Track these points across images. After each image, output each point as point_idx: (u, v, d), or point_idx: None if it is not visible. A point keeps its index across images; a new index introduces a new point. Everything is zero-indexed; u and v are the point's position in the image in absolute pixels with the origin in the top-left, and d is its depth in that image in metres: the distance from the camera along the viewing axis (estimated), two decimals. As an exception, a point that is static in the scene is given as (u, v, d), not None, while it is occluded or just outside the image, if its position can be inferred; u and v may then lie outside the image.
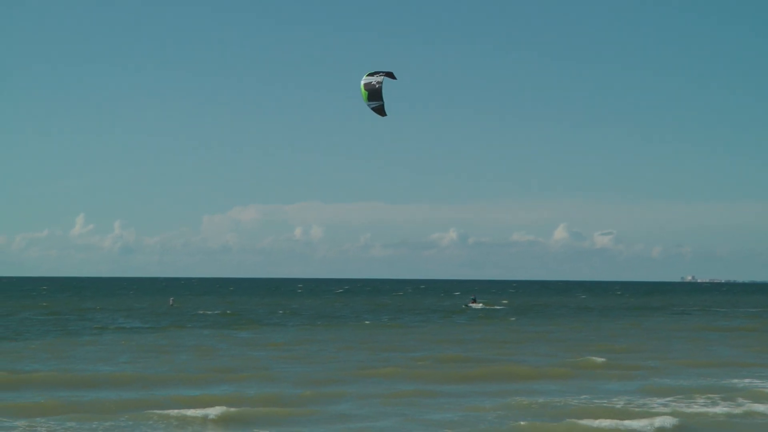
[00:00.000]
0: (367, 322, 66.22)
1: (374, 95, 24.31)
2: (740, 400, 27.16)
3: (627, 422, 23.27)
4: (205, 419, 23.73)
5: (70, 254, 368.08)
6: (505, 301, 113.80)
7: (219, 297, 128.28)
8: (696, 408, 25.74)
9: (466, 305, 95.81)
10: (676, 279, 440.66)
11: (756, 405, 26.12)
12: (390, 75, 24.57)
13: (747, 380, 31.89)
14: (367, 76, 24.48)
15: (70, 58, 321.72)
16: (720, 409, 25.61)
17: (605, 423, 23.15)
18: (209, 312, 79.74)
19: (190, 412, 24.08)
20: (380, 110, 24.37)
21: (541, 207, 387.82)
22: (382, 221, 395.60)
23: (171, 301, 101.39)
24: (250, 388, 29.28)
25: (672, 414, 24.33)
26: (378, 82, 24.26)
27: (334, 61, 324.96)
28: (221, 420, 23.75)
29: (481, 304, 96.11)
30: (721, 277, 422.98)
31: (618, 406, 25.79)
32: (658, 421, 23.23)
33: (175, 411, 24.26)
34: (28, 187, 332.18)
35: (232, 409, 24.50)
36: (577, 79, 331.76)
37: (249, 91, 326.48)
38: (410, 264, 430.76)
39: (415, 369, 34.55)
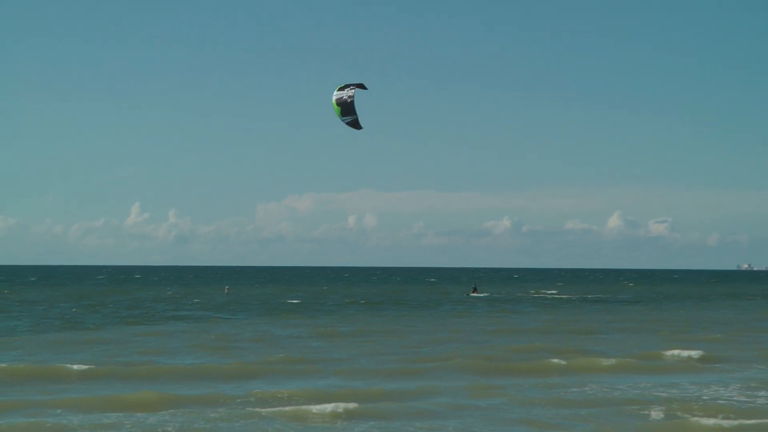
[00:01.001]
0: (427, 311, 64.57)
1: (347, 110, 23.84)
2: None
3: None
4: (326, 414, 22.09)
5: (125, 243, 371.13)
6: (553, 291, 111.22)
7: (274, 285, 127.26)
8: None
9: (467, 295, 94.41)
10: (732, 267, 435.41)
11: None
12: (360, 86, 23.97)
13: None
14: (338, 90, 23.94)
15: (128, 49, 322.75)
16: None
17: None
18: (270, 301, 78.57)
19: (315, 409, 22.35)
20: (355, 124, 23.89)
21: (596, 195, 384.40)
22: (435, 209, 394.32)
23: (226, 290, 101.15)
24: (352, 381, 27.54)
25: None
26: (350, 96, 23.75)
27: (388, 46, 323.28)
28: (346, 415, 22.03)
29: (484, 294, 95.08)
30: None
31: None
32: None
33: (293, 407, 22.63)
34: (84, 176, 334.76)
35: (352, 405, 22.66)
36: (633, 66, 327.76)
37: (305, 78, 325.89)
38: (464, 252, 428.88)
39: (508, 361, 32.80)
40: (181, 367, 30.56)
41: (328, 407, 22.41)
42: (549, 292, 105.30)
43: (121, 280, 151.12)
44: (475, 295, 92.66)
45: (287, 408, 22.64)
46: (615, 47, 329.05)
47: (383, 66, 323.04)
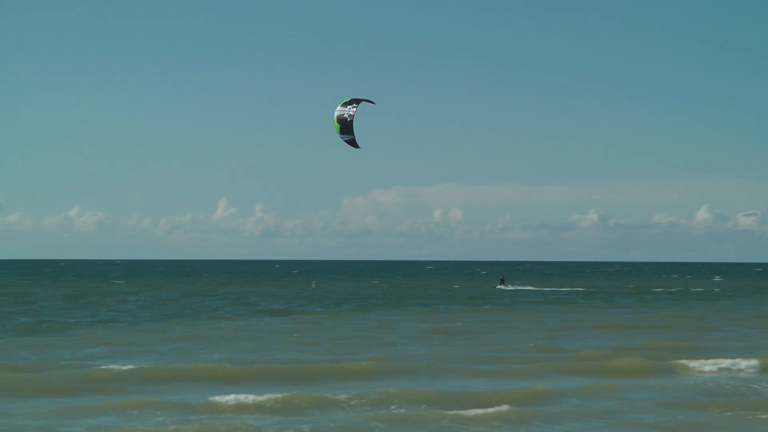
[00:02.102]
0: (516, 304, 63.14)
1: (345, 129, 23.73)
2: None
3: None
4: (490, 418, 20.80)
5: (212, 238, 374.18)
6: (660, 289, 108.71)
7: (360, 280, 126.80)
8: None
9: (494, 287, 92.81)
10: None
11: None
12: (368, 101, 23.88)
13: None
14: (341, 106, 23.79)
15: (217, 46, 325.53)
16: None
17: None
18: (356, 295, 77.92)
19: (472, 413, 21.01)
20: (352, 143, 23.75)
21: (683, 187, 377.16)
22: (521, 203, 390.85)
23: (313, 284, 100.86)
24: (505, 382, 25.91)
25: None
26: (350, 115, 23.60)
27: (473, 40, 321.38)
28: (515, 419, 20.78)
29: (511, 287, 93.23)
30: None
31: None
32: None
33: (452, 412, 21.21)
34: (172, 171, 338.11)
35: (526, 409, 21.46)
36: (718, 59, 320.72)
37: (389, 72, 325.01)
38: (550, 246, 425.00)
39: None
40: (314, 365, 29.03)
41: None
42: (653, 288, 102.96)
43: (208, 273, 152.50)
44: (503, 287, 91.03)
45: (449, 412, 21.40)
46: (696, 39, 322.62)
47: (467, 59, 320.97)
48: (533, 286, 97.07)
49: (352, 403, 22.33)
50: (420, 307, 60.41)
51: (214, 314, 52.38)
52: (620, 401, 23.03)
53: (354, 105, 23.87)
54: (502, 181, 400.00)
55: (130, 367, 27.51)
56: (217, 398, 22.33)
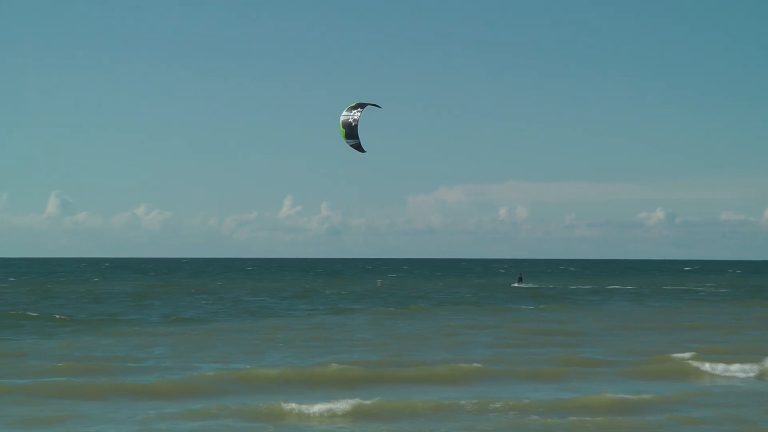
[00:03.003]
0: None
1: (350, 133, 23.75)
2: None
3: None
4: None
5: (278, 236, 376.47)
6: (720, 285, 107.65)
7: (425, 278, 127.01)
8: None
9: (512, 286, 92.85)
10: None
11: None
12: (374, 105, 23.96)
13: None
14: (347, 110, 23.88)
15: (283, 38, 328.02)
16: None
17: None
18: (422, 293, 78.07)
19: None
20: (358, 148, 23.81)
21: (751, 185, 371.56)
22: (586, 201, 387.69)
23: (379, 282, 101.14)
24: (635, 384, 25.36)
25: None
26: (354, 120, 23.61)
27: (536, 36, 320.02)
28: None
29: (529, 284, 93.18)
30: None
31: None
32: None
33: (601, 418, 20.71)
34: (238, 169, 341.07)
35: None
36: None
37: (455, 71, 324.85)
38: (616, 244, 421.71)
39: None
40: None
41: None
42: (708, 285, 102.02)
43: (274, 271, 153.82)
44: (520, 285, 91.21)
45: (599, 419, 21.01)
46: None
47: (531, 57, 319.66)
48: (552, 284, 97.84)
49: (492, 408, 21.68)
50: (486, 306, 60.49)
51: (287, 313, 53.09)
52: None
53: (359, 109, 23.86)
54: (568, 178, 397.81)
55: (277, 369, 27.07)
56: (338, 404, 21.58)
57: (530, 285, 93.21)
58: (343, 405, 21.29)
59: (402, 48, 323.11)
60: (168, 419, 20.54)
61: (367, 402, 21.75)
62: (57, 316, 47.88)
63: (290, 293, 76.51)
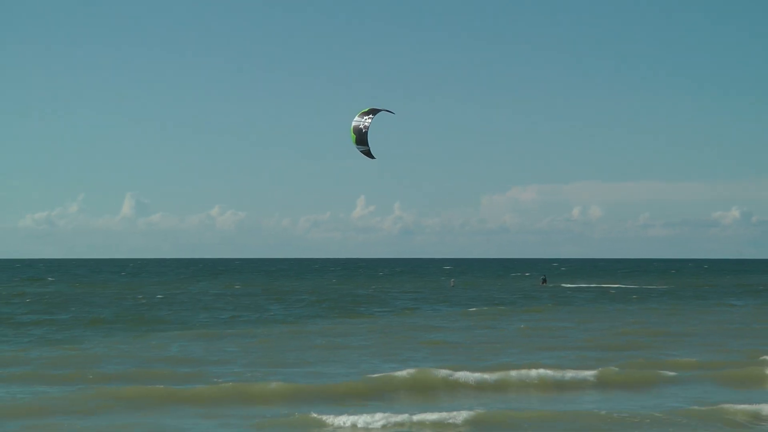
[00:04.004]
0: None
1: (361, 139, 23.79)
2: None
3: None
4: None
5: (351, 236, 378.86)
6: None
7: (495, 278, 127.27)
8: None
9: (537, 285, 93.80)
10: None
11: None
12: (387, 111, 24.15)
13: None
14: (358, 116, 23.88)
15: (351, 35, 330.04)
16: None
17: None
18: (496, 294, 78.41)
19: None
20: (368, 154, 23.87)
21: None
22: (661, 200, 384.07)
23: (452, 283, 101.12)
24: None
25: None
26: (365, 126, 23.63)
27: (610, 36, 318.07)
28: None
29: (551, 285, 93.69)
30: None
31: None
32: None
33: None
34: (312, 170, 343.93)
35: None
36: None
37: (531, 70, 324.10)
38: (691, 244, 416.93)
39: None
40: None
41: None
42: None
43: (347, 270, 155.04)
44: (544, 285, 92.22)
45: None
46: None
47: (604, 56, 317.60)
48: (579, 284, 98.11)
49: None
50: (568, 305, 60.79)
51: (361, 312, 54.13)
52: None
53: (371, 116, 23.92)
54: (642, 178, 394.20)
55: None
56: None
57: (552, 285, 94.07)
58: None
59: (478, 48, 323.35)
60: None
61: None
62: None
63: (369, 292, 77.53)
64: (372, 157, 24.25)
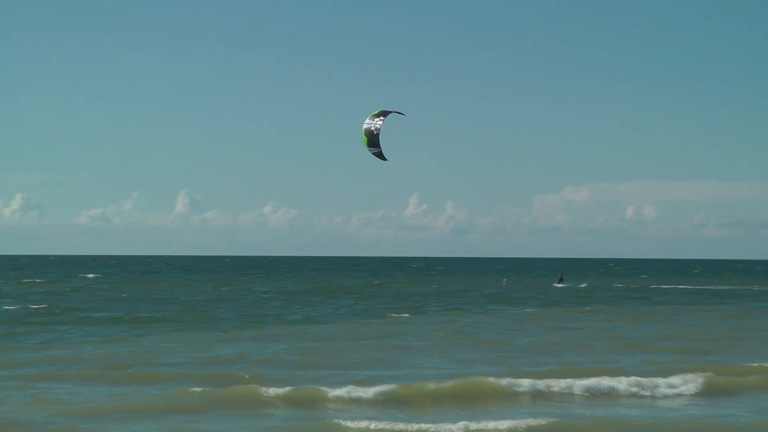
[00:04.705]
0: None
1: (372, 141, 23.72)
2: None
3: None
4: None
5: (404, 235, 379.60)
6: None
7: (550, 277, 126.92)
8: None
9: (554, 285, 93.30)
10: None
11: None
12: (398, 113, 23.98)
13: None
14: (369, 118, 23.77)
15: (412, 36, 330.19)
16: None
17: None
18: (553, 294, 78.21)
19: None
20: (380, 156, 23.79)
21: None
22: (716, 200, 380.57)
23: (504, 282, 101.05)
24: None
25: None
26: (376, 128, 23.54)
27: (664, 36, 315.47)
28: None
29: (567, 284, 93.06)
30: None
31: None
32: None
33: None
34: (364, 168, 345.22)
35: None
36: None
37: (584, 69, 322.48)
38: (746, 244, 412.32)
39: None
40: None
41: None
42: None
43: (397, 270, 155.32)
44: (561, 285, 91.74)
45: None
46: None
47: (657, 62, 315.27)
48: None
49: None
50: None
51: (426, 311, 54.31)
52: None
53: (381, 118, 23.90)
54: (697, 177, 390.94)
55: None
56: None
57: (568, 284, 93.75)
58: None
59: (533, 47, 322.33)
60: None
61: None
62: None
63: (427, 290, 77.54)
64: (384, 158, 24.20)
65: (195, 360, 30.39)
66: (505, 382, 24.79)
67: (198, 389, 24.00)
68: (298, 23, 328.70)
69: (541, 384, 24.84)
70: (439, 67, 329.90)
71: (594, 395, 24.36)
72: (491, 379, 25.10)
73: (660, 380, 25.40)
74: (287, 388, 23.87)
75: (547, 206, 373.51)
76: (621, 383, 24.94)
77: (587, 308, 57.83)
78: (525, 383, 24.76)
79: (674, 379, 25.61)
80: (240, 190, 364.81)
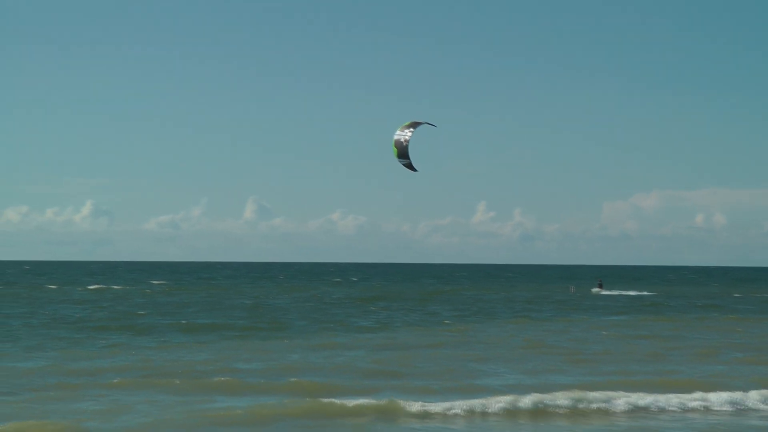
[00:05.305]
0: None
1: (402, 153, 23.91)
2: None
3: None
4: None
5: (471, 241, 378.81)
6: None
7: (618, 285, 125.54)
8: None
9: (592, 290, 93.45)
10: None
11: None
12: (429, 124, 24.10)
13: None
14: (400, 130, 24.02)
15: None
16: None
17: None
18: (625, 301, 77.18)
19: None
20: (410, 167, 23.98)
21: None
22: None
23: (572, 289, 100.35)
24: None
25: None
26: (406, 140, 23.76)
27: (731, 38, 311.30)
28: None
29: (606, 291, 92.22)
30: None
31: None
32: None
33: None
34: (432, 175, 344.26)
35: None
36: None
37: (655, 74, 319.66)
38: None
39: None
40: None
41: None
42: None
43: (473, 276, 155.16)
44: (599, 291, 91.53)
45: None
46: None
47: (730, 64, 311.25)
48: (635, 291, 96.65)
49: None
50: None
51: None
52: None
53: (411, 129, 24.04)
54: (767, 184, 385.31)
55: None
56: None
57: (606, 292, 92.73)
58: None
59: (599, 52, 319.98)
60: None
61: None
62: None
63: (498, 297, 77.38)
64: (414, 170, 24.35)
65: (272, 368, 30.29)
66: (600, 395, 24.16)
67: (273, 401, 23.85)
68: (381, 28, 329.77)
69: (633, 397, 24.25)
70: (506, 74, 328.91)
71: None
72: (575, 393, 24.41)
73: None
74: (364, 400, 23.69)
75: (616, 213, 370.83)
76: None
77: (662, 317, 57.13)
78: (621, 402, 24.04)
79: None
80: (307, 197, 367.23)
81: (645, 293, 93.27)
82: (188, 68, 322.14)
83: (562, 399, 23.61)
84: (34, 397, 24.17)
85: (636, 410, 23.39)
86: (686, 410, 23.54)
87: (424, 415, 22.40)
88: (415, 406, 22.78)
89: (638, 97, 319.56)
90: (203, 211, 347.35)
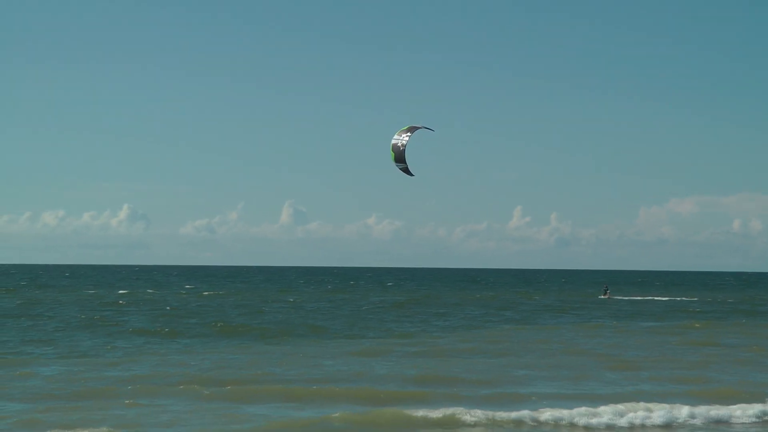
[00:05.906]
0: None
1: (399, 157, 23.94)
2: None
3: None
4: None
5: (507, 246, 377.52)
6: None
7: (658, 289, 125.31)
8: None
9: (600, 297, 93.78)
10: None
11: None
12: (427, 128, 24.20)
13: None
14: (398, 134, 24.01)
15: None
16: None
17: None
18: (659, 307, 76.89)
19: None
20: (406, 171, 24.03)
21: None
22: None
23: (607, 294, 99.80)
24: None
25: None
26: (403, 144, 23.77)
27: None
28: None
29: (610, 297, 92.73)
30: None
31: None
32: None
33: None
34: (469, 180, 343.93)
35: None
36: None
37: (692, 78, 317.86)
38: None
39: None
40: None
41: None
42: None
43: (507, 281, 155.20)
44: (606, 297, 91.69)
45: None
46: None
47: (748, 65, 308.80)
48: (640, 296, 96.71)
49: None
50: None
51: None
52: None
53: (408, 133, 24.01)
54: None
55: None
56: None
57: (617, 297, 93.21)
58: None
59: (639, 57, 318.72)
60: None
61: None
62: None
63: (534, 301, 77.34)
64: (411, 174, 24.45)
65: (322, 375, 30.42)
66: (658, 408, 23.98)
67: (337, 414, 23.75)
68: (417, 34, 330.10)
69: (701, 410, 24.17)
70: (544, 80, 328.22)
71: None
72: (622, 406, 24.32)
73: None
74: (423, 412, 23.70)
75: (652, 218, 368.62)
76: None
77: (696, 324, 56.60)
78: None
79: None
80: (343, 202, 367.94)
81: (657, 298, 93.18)
82: (227, 73, 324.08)
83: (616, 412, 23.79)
84: (69, 406, 24.18)
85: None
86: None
87: (488, 427, 22.78)
88: (473, 416, 23.19)
89: (675, 103, 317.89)
90: (240, 216, 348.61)
